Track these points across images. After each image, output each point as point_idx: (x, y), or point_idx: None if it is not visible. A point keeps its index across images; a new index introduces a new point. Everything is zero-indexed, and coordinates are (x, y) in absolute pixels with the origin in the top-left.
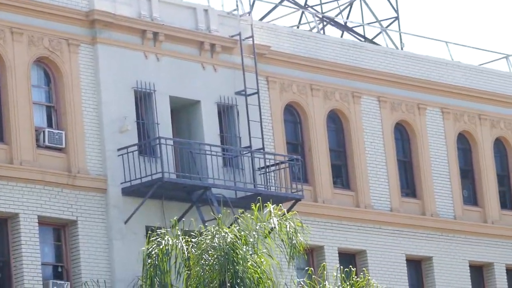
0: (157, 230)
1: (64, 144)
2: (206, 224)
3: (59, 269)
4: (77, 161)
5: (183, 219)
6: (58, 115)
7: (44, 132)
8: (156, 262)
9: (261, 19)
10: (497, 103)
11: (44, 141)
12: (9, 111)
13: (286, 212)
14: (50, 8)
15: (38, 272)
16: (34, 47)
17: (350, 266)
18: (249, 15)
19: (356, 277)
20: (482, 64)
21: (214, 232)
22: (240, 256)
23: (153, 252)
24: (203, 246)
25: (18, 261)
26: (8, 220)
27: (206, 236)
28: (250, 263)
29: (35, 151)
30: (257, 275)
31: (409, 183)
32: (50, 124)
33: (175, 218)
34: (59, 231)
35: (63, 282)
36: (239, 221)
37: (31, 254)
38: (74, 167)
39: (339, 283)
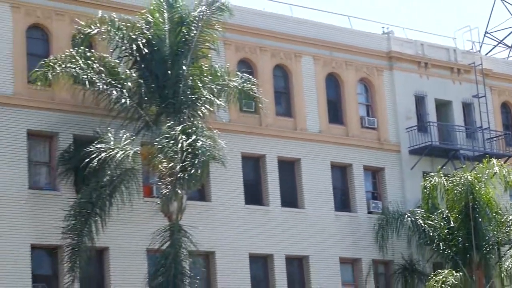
0: (429, 174)
1: (376, 124)
2: (456, 170)
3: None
4: (384, 134)
5: (443, 167)
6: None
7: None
8: (429, 192)
9: (487, 54)
10: None
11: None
12: None
13: (502, 163)
14: (351, 47)
15: None
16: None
17: None
18: (479, 52)
19: None
20: None
21: (461, 175)
22: (476, 188)
23: (427, 186)
24: (455, 182)
25: None
26: None
27: (456, 178)
28: (482, 192)
29: None
30: (486, 199)
31: None
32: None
33: (439, 167)
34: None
35: (376, 201)
36: (476, 168)
37: None
38: (382, 138)
39: None
